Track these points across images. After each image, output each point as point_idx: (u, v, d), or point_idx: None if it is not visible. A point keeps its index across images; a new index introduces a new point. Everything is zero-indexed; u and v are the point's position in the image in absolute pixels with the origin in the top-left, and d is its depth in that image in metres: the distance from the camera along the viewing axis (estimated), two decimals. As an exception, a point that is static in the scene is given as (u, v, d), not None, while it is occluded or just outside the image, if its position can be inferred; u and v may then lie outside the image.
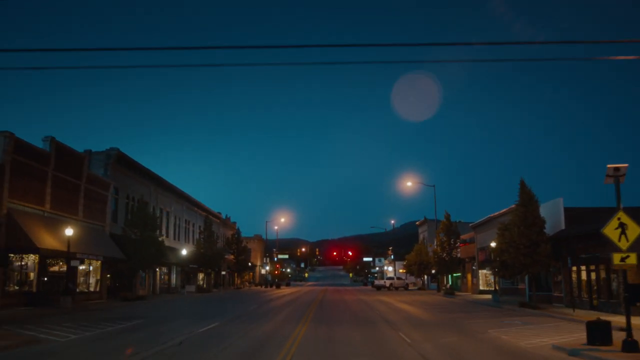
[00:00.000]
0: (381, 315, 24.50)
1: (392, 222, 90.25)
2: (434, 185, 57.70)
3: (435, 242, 55.32)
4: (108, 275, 37.42)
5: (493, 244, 36.55)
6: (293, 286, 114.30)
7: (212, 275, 69.10)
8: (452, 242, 50.11)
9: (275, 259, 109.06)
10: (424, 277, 76.66)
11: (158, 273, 48.26)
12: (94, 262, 35.05)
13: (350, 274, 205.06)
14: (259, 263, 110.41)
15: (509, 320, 22.03)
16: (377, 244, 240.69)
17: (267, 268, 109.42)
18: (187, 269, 57.41)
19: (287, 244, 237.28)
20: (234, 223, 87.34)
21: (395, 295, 49.63)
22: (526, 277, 34.43)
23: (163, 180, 49.26)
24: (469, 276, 53.28)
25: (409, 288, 73.47)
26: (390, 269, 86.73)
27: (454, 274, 58.09)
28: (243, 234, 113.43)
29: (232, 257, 75.93)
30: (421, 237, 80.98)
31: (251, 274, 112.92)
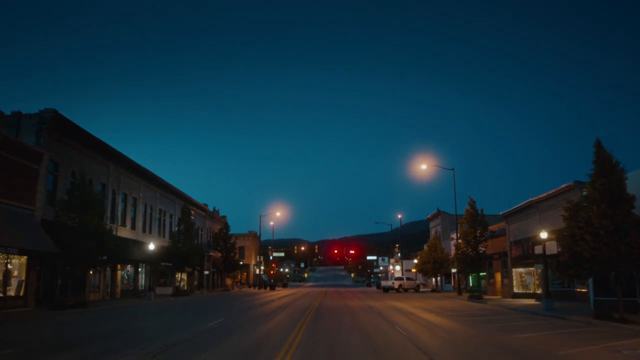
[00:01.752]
0: (408, 335, 15.62)
1: (399, 216, 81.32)
2: (452, 169, 48.93)
3: (456, 235, 46.43)
4: (39, 275, 28.53)
5: (543, 235, 27.69)
6: (291, 287, 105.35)
7: (196, 276, 60.30)
8: (478, 234, 41.17)
9: (271, 257, 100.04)
10: (436, 278, 67.97)
11: (119, 273, 39.40)
12: (16, 257, 26.24)
13: (352, 274, 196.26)
14: (253, 262, 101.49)
15: (625, 349, 13.18)
16: (378, 244, 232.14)
17: (262, 267, 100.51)
18: (161, 268, 48.64)
19: (287, 244, 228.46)
20: (224, 217, 78.43)
21: (410, 300, 40.83)
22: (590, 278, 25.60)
23: (126, 158, 40.38)
24: (498, 276, 44.36)
25: (421, 290, 64.63)
26: (398, 268, 77.83)
27: (477, 274, 49.14)
28: (236, 231, 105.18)
29: (219, 254, 67.09)
30: (433, 232, 72.10)
31: (245, 274, 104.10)
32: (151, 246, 39.50)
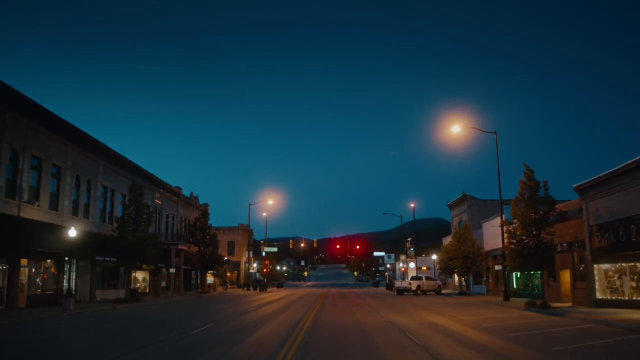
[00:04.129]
0: None
1: (412, 205, 69.15)
2: (495, 132, 36.64)
3: (501, 219, 34.16)
4: None
5: None
6: (288, 287, 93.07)
7: (167, 275, 48.11)
8: (540, 215, 28.76)
9: (264, 253, 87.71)
10: (466, 277, 55.86)
11: (24, 271, 27.17)
12: None
13: (356, 273, 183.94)
14: (244, 259, 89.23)
15: None
16: (382, 242, 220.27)
17: (255, 265, 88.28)
18: (109, 265, 36.52)
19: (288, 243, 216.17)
20: (205, 205, 66.12)
21: (444, 308, 28.59)
22: None
23: (38, 107, 28.01)
24: (565, 275, 32.01)
25: (443, 292, 52.42)
26: (412, 265, 65.53)
27: (528, 273, 36.72)
28: (228, 224, 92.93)
29: (194, 248, 54.88)
30: (456, 222, 59.78)
31: (235, 272, 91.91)
32: (72, 233, 27.20)
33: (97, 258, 32.46)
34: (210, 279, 72.90)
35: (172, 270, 45.17)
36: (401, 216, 76.72)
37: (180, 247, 46.50)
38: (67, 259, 30.79)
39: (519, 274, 38.90)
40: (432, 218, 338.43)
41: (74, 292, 31.79)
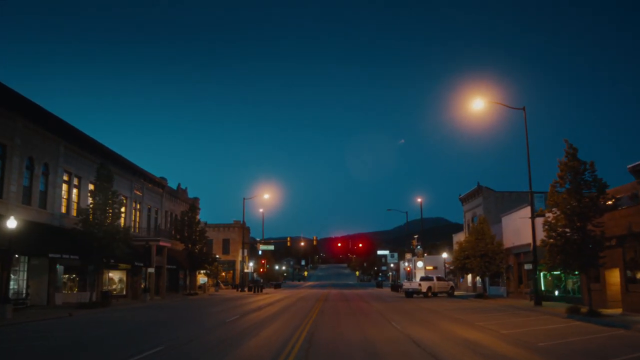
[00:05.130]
0: None
1: (419, 200, 64.08)
2: (523, 108, 31.42)
3: (531, 211, 29.00)
4: None
5: None
6: (286, 288, 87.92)
7: (147, 276, 42.91)
8: (586, 202, 23.51)
9: (260, 251, 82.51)
10: (476, 278, 50.79)
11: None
12: None
13: (357, 272, 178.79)
14: (239, 258, 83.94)
15: None
16: (382, 242, 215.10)
17: (251, 265, 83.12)
18: (75, 264, 31.40)
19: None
20: (195, 199, 60.93)
21: (462, 314, 23.49)
22: None
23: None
24: (613, 275, 26.72)
25: (455, 294, 47.30)
26: (420, 264, 60.30)
27: (563, 272, 31.41)
28: (221, 221, 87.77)
29: (180, 245, 49.77)
30: (468, 217, 54.58)
31: (230, 272, 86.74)
32: (11, 223, 21.99)
33: (51, 255, 27.18)
34: (203, 279, 67.80)
35: (151, 270, 39.93)
36: (406, 212, 71.57)
37: (161, 243, 41.29)
38: (17, 256, 25.64)
39: (547, 274, 33.65)
40: (433, 217, 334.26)
41: (24, 295, 26.67)
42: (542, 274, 34.80)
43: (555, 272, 33.55)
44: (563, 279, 33.50)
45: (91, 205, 29.87)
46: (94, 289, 33.06)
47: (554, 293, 32.98)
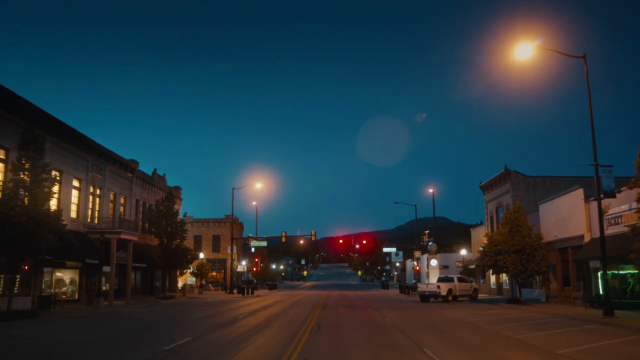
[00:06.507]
0: None
1: (431, 190, 56.72)
2: (584, 55, 23.82)
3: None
4: None
5: None
6: (282, 289, 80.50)
7: (107, 277, 35.33)
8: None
9: (252, 249, 74.98)
10: (500, 279, 43.57)
11: None
12: None
13: (359, 272, 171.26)
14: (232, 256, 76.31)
15: None
16: (384, 241, 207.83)
17: (244, 263, 75.52)
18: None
19: (288, 244, 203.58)
20: (177, 188, 53.41)
21: (512, 331, 15.80)
22: None
23: None
24: None
25: (479, 299, 39.92)
26: (434, 263, 52.80)
27: (619, 272, 23.91)
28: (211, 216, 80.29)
29: (155, 240, 42.34)
30: (491, 207, 47.00)
31: (222, 272, 79.18)
32: None
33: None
34: (191, 280, 60.41)
35: (107, 269, 32.34)
36: (415, 205, 63.80)
37: (123, 236, 33.70)
38: None
39: (611, 274, 26.06)
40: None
41: None
42: (599, 274, 27.27)
43: (622, 272, 26.03)
44: (630, 280, 25.98)
45: (10, 183, 22.35)
46: (32, 292, 25.70)
47: (620, 299, 25.41)
